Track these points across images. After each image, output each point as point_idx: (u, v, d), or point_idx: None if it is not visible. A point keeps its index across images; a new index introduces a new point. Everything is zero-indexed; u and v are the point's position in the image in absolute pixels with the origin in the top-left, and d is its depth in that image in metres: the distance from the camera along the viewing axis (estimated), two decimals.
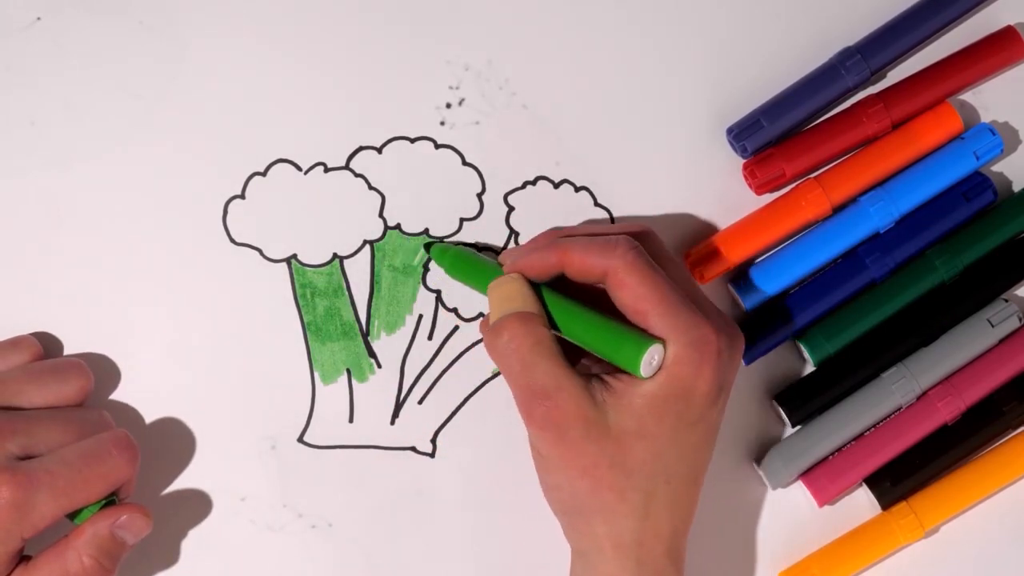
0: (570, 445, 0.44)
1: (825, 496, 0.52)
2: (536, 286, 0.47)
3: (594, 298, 0.46)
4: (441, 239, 0.53)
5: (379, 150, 0.54)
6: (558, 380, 0.44)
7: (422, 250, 0.52)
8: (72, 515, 0.46)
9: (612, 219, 0.54)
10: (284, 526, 0.52)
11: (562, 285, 0.47)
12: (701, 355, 0.44)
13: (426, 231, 0.53)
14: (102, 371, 0.51)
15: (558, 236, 0.48)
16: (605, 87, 0.54)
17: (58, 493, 0.44)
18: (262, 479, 0.52)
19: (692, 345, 0.43)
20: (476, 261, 0.50)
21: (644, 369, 0.43)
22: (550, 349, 0.44)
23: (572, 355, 0.46)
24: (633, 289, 0.44)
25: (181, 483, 0.51)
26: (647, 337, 0.43)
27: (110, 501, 0.46)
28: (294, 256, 0.53)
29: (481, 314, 0.53)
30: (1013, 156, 0.56)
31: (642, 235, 0.48)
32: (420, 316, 0.53)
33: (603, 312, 0.45)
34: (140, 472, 0.50)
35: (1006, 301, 0.53)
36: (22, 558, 0.45)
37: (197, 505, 0.51)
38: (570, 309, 0.46)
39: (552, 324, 0.46)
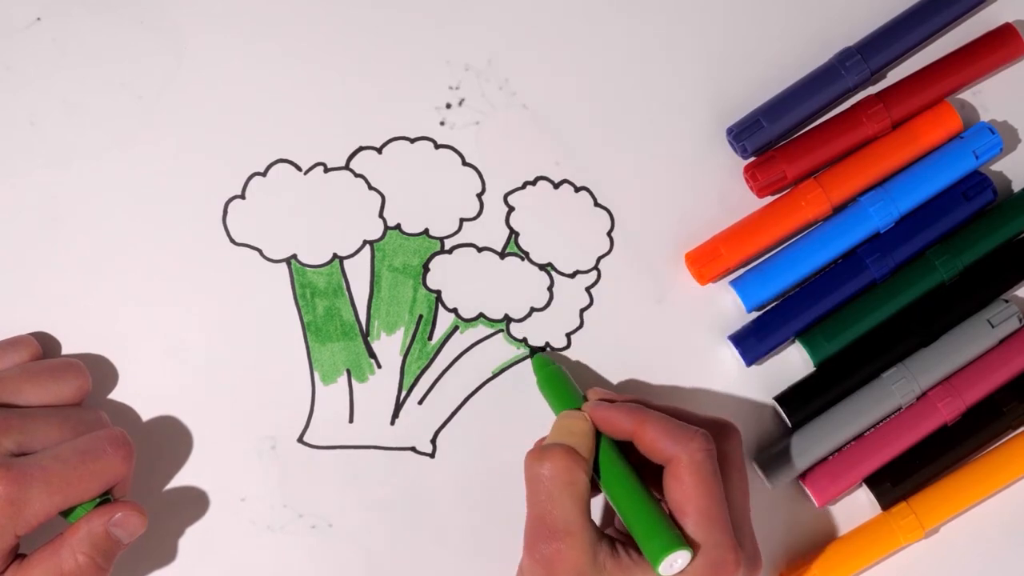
0: None
1: (825, 496, 0.52)
2: (600, 436, 0.47)
3: (654, 472, 0.46)
4: (441, 240, 0.53)
5: (379, 150, 0.54)
6: (572, 527, 0.44)
7: (529, 357, 0.53)
8: (66, 513, 0.46)
9: (612, 219, 0.54)
10: (284, 526, 0.52)
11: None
12: None
13: (426, 231, 0.53)
14: (101, 371, 0.51)
15: (642, 404, 0.48)
16: (605, 87, 0.54)
17: (52, 490, 0.44)
18: (262, 479, 0.52)
19: (711, 566, 0.43)
20: (566, 386, 0.50)
21: (663, 568, 0.43)
22: (580, 495, 0.45)
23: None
24: (686, 489, 0.44)
25: (181, 483, 0.51)
26: (680, 540, 0.43)
27: (105, 499, 0.46)
28: (294, 256, 0.53)
29: (481, 315, 0.53)
30: (1013, 155, 0.56)
31: (725, 429, 0.48)
32: (420, 316, 0.53)
33: (649, 484, 0.45)
34: (140, 472, 0.50)
35: (1006, 302, 0.53)
36: (16, 556, 0.45)
37: (197, 505, 0.51)
38: (621, 473, 0.46)
39: (597, 474, 0.46)
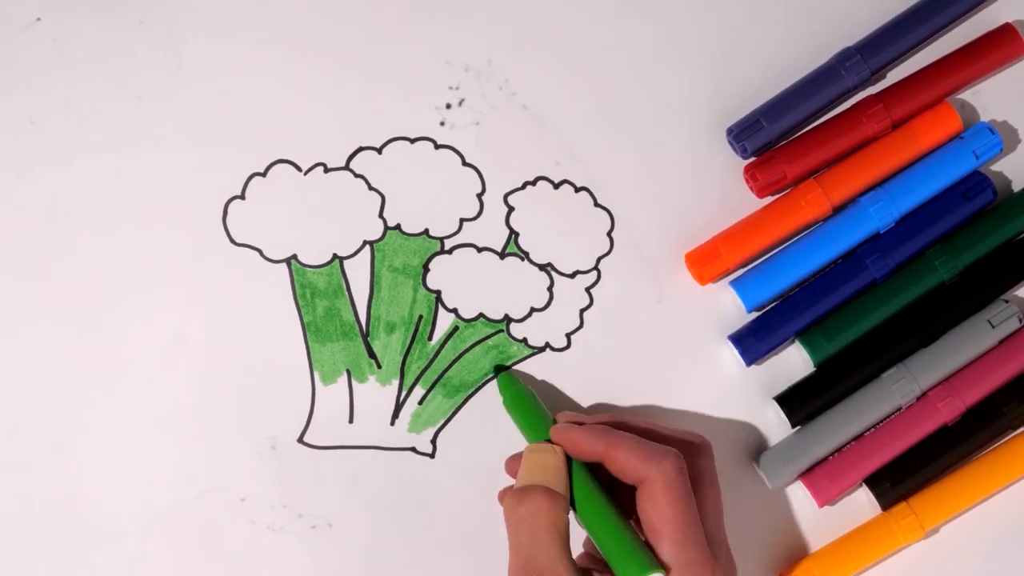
0: None
1: (825, 496, 0.52)
2: (571, 461, 0.47)
3: (626, 489, 0.46)
4: (441, 240, 0.53)
5: (379, 150, 0.54)
6: (557, 568, 0.44)
7: (494, 374, 0.52)
8: None
9: (612, 219, 0.54)
10: (284, 526, 0.52)
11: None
12: None
13: (426, 231, 0.53)
14: (102, 371, 0.51)
15: (614, 423, 0.48)
16: (605, 87, 0.54)
17: None
18: (262, 479, 0.52)
19: None
20: (533, 408, 0.50)
21: None
22: (562, 537, 0.45)
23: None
24: (660, 509, 0.44)
25: (181, 483, 0.51)
26: (652, 562, 0.43)
27: None
28: (294, 256, 0.53)
29: (481, 315, 0.53)
30: (1013, 155, 0.56)
31: (697, 448, 0.48)
32: (420, 316, 0.53)
33: (623, 508, 0.45)
34: (140, 472, 0.50)
35: (1006, 302, 0.53)
36: None
37: (197, 505, 0.51)
38: (594, 499, 0.46)
39: (571, 504, 0.46)
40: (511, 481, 0.51)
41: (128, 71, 0.53)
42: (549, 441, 0.47)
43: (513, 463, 0.49)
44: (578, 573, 0.44)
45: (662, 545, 0.44)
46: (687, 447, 0.47)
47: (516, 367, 0.53)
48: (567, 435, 0.47)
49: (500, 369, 0.53)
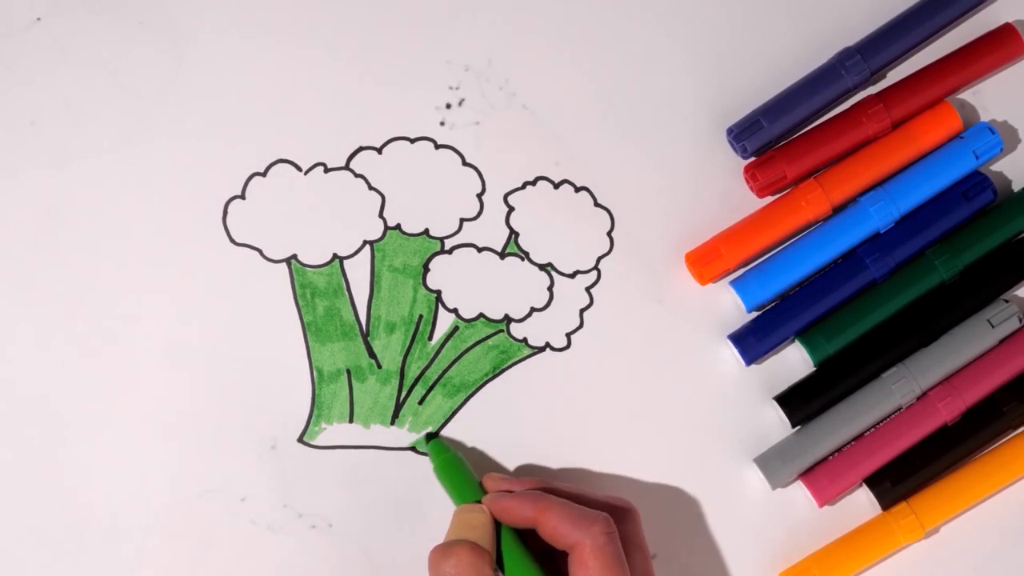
0: None
1: (825, 496, 0.52)
2: (499, 524, 0.47)
3: (558, 556, 0.46)
4: (441, 240, 0.53)
5: (379, 150, 0.54)
6: None
7: (421, 439, 0.52)
8: None
9: (612, 219, 0.54)
10: (284, 526, 0.52)
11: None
12: None
13: (426, 231, 0.53)
14: (102, 371, 0.51)
15: (542, 489, 0.48)
16: (605, 87, 0.54)
17: None
18: (262, 479, 0.52)
19: None
20: (462, 473, 0.50)
21: None
22: None
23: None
24: (590, 573, 0.44)
25: (181, 483, 0.51)
26: None
27: None
28: (294, 256, 0.53)
29: (481, 315, 0.53)
30: (1013, 155, 0.56)
31: (625, 513, 0.48)
32: (420, 316, 0.53)
33: (551, 570, 0.46)
34: (140, 472, 0.50)
35: (1006, 302, 0.53)
36: None
37: (197, 505, 0.51)
38: (522, 563, 0.46)
39: (500, 566, 0.46)
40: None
41: (128, 71, 0.53)
42: (477, 503, 0.48)
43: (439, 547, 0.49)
44: None
45: None
46: (615, 511, 0.47)
47: (516, 367, 0.53)
48: (498, 503, 0.47)
49: (431, 436, 0.52)
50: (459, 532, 0.46)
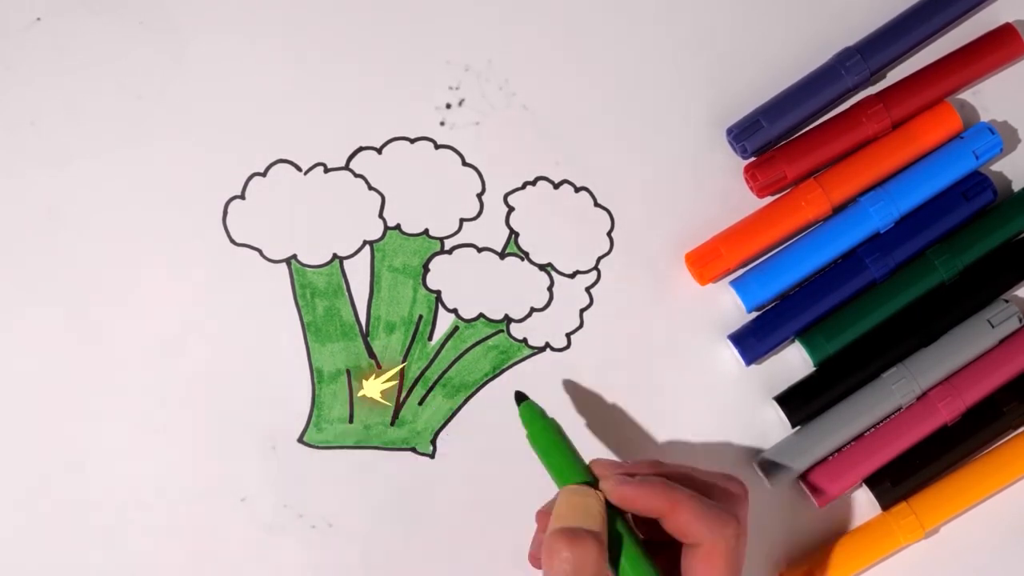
0: None
1: (825, 496, 0.52)
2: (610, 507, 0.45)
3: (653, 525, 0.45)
4: (441, 240, 0.53)
5: (379, 150, 0.54)
6: None
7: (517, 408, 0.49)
8: None
9: (612, 219, 0.54)
10: (284, 526, 0.52)
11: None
12: None
13: (426, 231, 0.53)
14: (102, 371, 0.51)
15: (655, 472, 0.46)
16: (605, 87, 0.54)
17: None
18: (262, 479, 0.52)
19: None
20: (565, 448, 0.47)
21: None
22: None
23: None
24: (716, 572, 0.44)
25: (182, 483, 0.51)
26: None
27: None
28: (294, 256, 0.53)
29: (481, 315, 0.53)
30: (1013, 155, 0.56)
31: (737, 499, 0.47)
32: (420, 316, 0.53)
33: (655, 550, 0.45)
34: (140, 472, 0.50)
35: (1006, 302, 0.53)
36: None
37: (197, 505, 0.51)
38: (633, 554, 0.44)
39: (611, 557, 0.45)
40: (512, 481, 0.51)
41: (128, 71, 0.53)
42: (588, 484, 0.45)
43: (546, 512, 0.47)
44: None
45: None
46: (726, 496, 0.46)
47: (516, 367, 0.53)
48: (622, 490, 0.45)
49: (521, 398, 0.49)
50: (574, 518, 0.44)
